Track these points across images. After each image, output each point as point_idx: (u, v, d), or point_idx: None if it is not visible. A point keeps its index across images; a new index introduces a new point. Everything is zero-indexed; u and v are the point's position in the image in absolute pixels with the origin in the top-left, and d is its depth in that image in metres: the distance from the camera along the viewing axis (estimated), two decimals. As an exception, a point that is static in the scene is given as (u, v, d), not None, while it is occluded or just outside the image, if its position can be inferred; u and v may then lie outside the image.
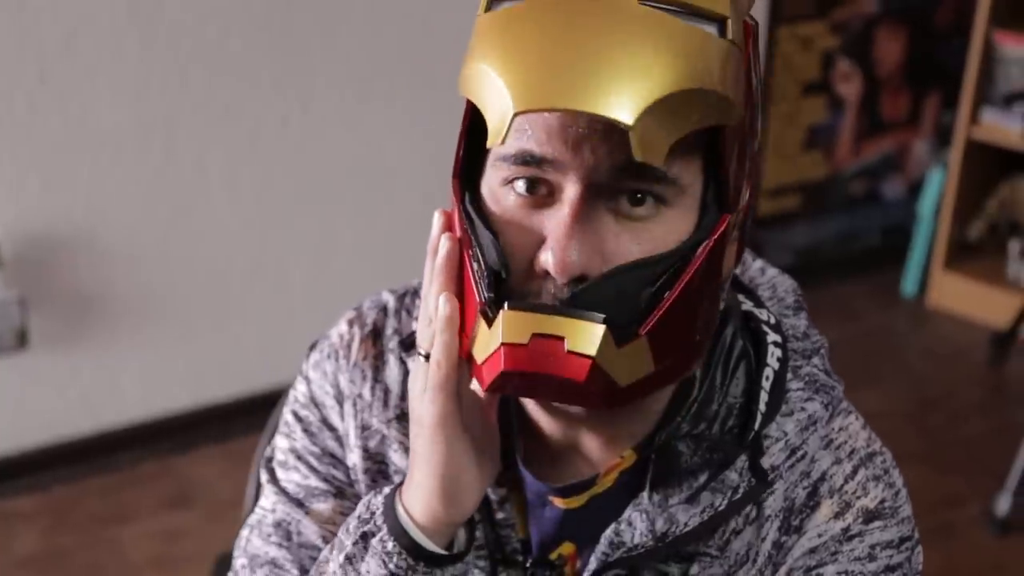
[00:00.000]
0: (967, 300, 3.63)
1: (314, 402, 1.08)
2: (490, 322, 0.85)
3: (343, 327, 1.09)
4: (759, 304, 1.01)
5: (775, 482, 0.95)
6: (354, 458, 1.05)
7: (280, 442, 1.10)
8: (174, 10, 2.61)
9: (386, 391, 1.04)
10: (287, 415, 1.10)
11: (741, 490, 0.93)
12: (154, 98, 2.65)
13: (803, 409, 0.96)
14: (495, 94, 0.81)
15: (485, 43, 0.84)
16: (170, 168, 2.72)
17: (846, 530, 0.95)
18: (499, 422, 0.99)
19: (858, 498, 0.96)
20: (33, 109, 2.54)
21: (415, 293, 1.08)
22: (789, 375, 0.97)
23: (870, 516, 0.95)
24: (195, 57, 2.67)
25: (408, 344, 1.02)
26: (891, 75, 3.75)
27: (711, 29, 0.83)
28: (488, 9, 0.86)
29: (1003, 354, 3.39)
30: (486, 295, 0.86)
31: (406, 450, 1.01)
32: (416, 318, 1.04)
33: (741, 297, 1.02)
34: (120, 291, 2.75)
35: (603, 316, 0.83)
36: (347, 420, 1.05)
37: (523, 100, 0.80)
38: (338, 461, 1.07)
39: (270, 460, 1.10)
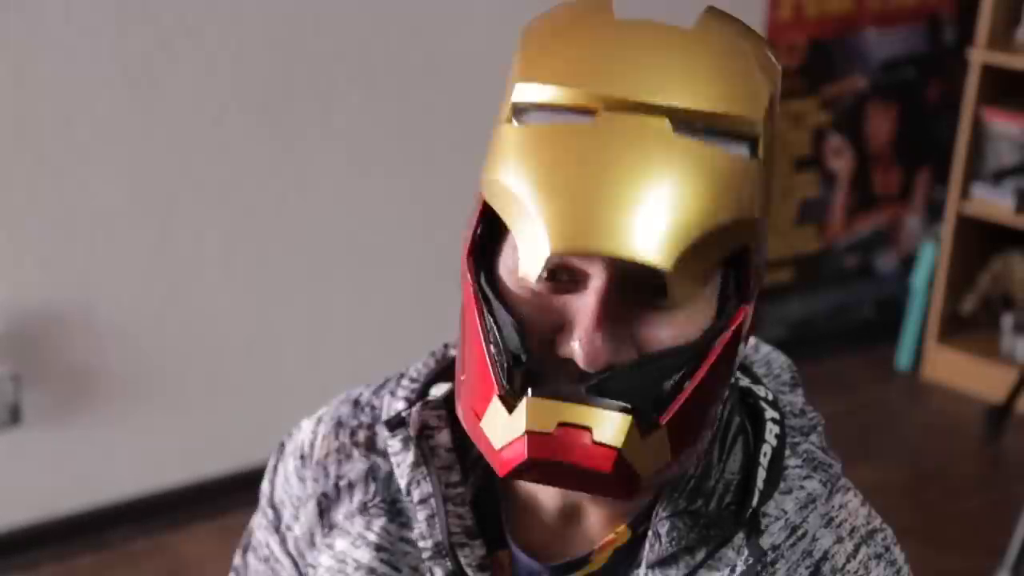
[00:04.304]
0: (961, 374, 3.63)
1: (272, 505, 1.07)
2: (510, 407, 0.83)
3: (309, 425, 1.07)
4: (756, 381, 1.01)
5: (777, 562, 0.93)
6: (321, 558, 1.04)
7: (254, 535, 1.11)
8: (171, 89, 2.64)
9: (350, 485, 1.03)
10: (257, 514, 1.10)
11: (738, 570, 0.92)
12: (151, 176, 2.67)
13: (802, 487, 0.95)
14: (529, 227, 0.81)
15: (517, 161, 0.83)
16: (166, 246, 2.72)
17: None
18: (486, 494, 0.98)
19: None
20: (31, 186, 2.56)
21: (401, 377, 1.05)
22: (787, 452, 0.96)
23: None
24: (192, 136, 2.69)
25: (393, 424, 0.99)
26: (882, 151, 3.79)
27: (742, 150, 0.83)
28: (513, 117, 0.85)
29: (999, 428, 3.38)
30: (506, 381, 0.84)
31: (368, 544, 1.00)
32: (404, 399, 1.02)
33: (738, 374, 1.01)
34: (114, 367, 2.75)
35: (630, 406, 0.82)
36: (311, 519, 1.04)
37: (560, 242, 0.80)
38: (281, 567, 1.07)
39: (245, 549, 1.12)
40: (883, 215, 3.86)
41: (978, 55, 3.50)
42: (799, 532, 0.94)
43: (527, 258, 0.81)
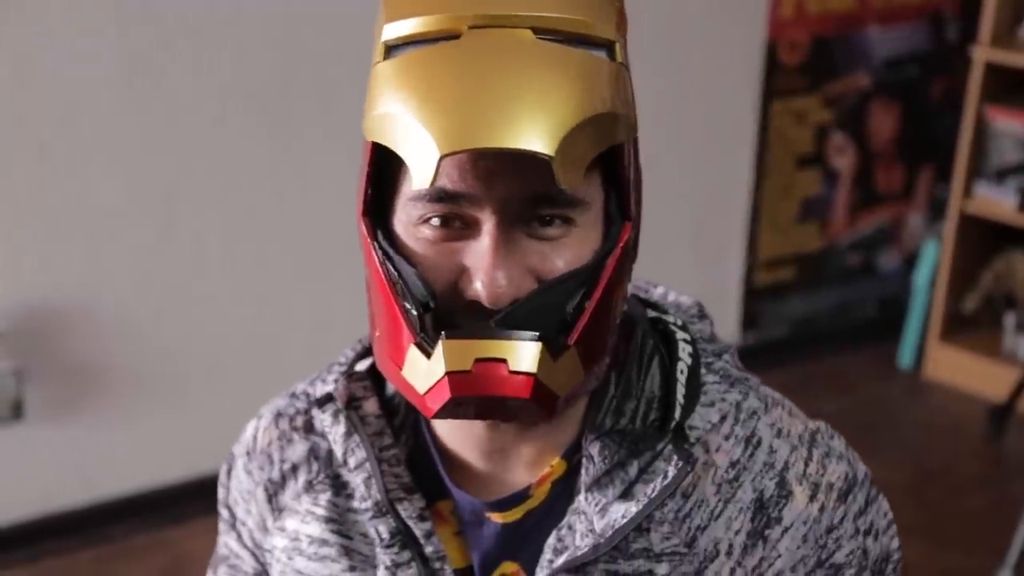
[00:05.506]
0: (964, 372, 3.63)
1: (227, 506, 1.12)
2: (428, 353, 0.88)
3: (252, 423, 1.12)
4: (664, 313, 1.05)
5: (740, 476, 0.97)
6: (275, 541, 1.07)
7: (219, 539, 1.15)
8: (173, 87, 2.64)
9: (294, 467, 1.07)
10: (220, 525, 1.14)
11: (670, 474, 0.95)
12: (152, 174, 2.67)
13: (723, 399, 0.99)
14: (415, 138, 0.84)
15: (393, 88, 0.86)
16: (167, 242, 2.73)
17: (822, 509, 0.97)
18: (418, 454, 1.02)
19: (822, 476, 0.98)
20: (32, 183, 2.56)
21: (333, 365, 1.10)
22: (703, 370, 1.01)
23: (840, 493, 0.98)
24: (193, 134, 2.69)
25: (323, 401, 1.05)
26: (885, 148, 3.79)
27: (601, 54, 0.89)
28: (386, 57, 0.89)
29: (1001, 427, 3.38)
30: (419, 328, 0.88)
31: (317, 519, 1.04)
32: (333, 381, 1.06)
33: (649, 311, 1.06)
34: (116, 363, 2.75)
35: (538, 334, 0.87)
36: (262, 507, 1.08)
37: (447, 142, 0.83)
38: (242, 562, 1.10)
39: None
40: (886, 213, 3.86)
41: (981, 53, 3.50)
42: (753, 441, 0.98)
43: (418, 168, 0.84)
